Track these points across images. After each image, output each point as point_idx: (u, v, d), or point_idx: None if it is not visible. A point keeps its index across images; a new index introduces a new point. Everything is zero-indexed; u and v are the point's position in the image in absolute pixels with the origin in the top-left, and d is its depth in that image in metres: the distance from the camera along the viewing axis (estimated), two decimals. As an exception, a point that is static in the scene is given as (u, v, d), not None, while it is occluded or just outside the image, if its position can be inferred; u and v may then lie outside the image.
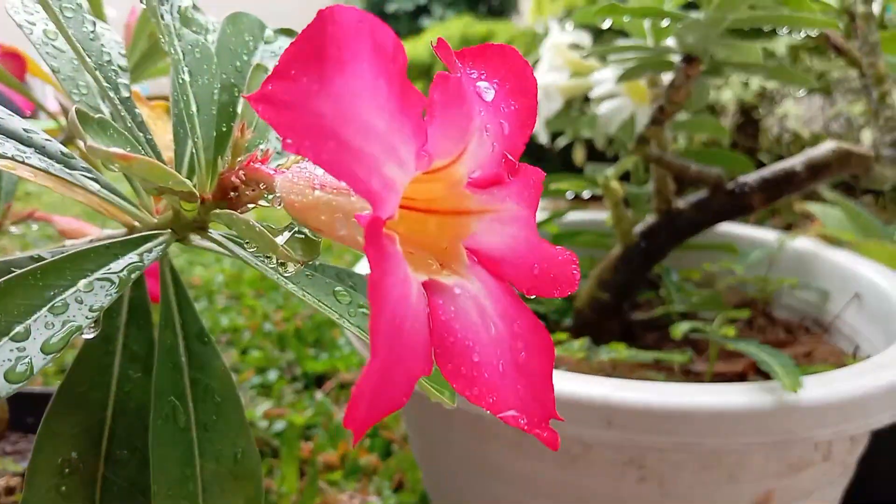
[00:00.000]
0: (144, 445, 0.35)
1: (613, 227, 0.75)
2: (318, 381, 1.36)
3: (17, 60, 0.77)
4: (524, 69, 0.23)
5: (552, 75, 0.94)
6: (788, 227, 1.81)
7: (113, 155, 0.22)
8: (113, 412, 0.36)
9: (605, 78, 0.87)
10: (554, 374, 0.59)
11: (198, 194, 0.29)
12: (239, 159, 0.29)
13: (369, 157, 0.18)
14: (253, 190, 0.28)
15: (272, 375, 1.39)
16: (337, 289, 0.31)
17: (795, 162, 0.68)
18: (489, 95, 0.22)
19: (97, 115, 0.24)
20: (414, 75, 3.79)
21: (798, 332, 0.84)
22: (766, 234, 0.94)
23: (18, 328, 0.25)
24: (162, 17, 0.30)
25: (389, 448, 1.08)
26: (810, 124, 2.20)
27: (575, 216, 1.01)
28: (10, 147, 0.29)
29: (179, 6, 0.33)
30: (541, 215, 0.98)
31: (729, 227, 0.96)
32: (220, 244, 0.31)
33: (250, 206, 0.30)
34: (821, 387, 0.54)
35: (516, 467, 0.61)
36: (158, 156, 0.32)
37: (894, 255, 0.84)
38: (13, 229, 0.68)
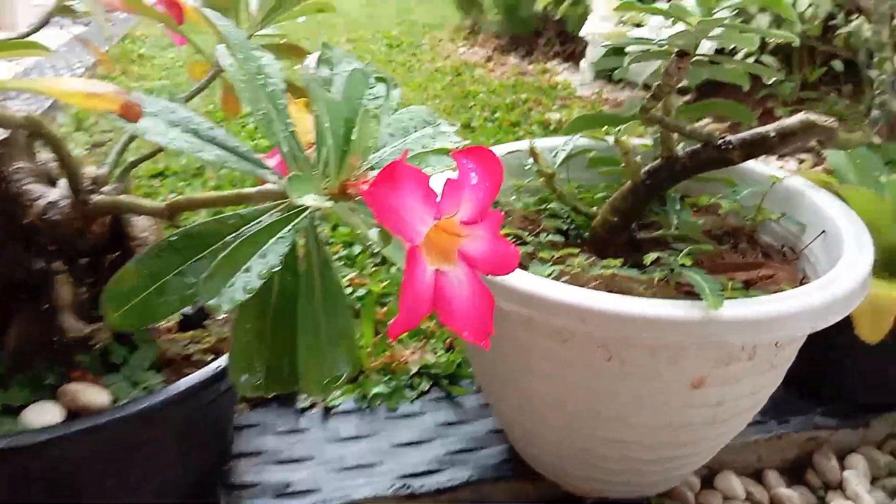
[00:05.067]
0: (293, 318, 0.62)
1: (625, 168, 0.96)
2: (394, 256, 1.63)
3: (176, 8, 1.01)
4: (494, 163, 0.46)
5: (601, 24, 1.10)
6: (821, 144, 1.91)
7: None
8: (276, 296, 0.63)
9: (641, 34, 1.04)
10: (551, 285, 0.83)
11: (328, 193, 0.53)
12: (355, 173, 0.53)
13: (410, 223, 0.42)
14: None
15: (356, 249, 1.67)
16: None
17: (770, 128, 0.86)
18: (474, 180, 0.45)
19: (292, 174, 0.48)
20: None
21: (774, 256, 1.04)
22: (769, 170, 1.11)
23: (247, 264, 0.51)
24: (313, 89, 0.53)
25: (446, 317, 1.36)
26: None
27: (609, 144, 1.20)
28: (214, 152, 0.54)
29: (322, 77, 0.56)
30: (581, 142, 1.16)
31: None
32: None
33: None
34: (738, 307, 0.77)
35: (524, 340, 0.88)
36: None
37: (866, 200, 1.01)
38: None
